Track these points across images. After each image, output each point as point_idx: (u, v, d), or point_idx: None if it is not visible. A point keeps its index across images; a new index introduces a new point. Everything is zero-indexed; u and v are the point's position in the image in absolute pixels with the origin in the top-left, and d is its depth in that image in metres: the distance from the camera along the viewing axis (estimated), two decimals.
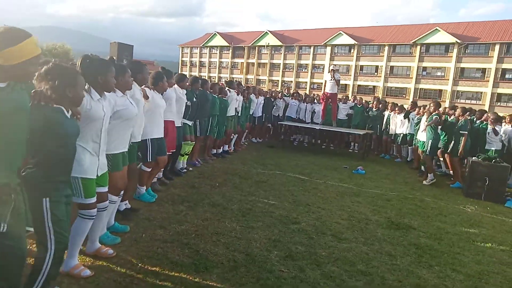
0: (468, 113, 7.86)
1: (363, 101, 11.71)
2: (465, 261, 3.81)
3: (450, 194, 6.89)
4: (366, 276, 3.22)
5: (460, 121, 7.64)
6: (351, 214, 4.95)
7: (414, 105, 10.03)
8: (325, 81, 10.97)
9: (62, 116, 2.16)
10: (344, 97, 11.92)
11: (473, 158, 7.02)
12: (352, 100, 11.99)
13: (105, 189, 2.93)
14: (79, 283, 2.63)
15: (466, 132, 7.48)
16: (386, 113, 10.56)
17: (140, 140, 3.91)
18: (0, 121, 1.68)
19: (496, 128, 7.32)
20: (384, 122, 10.56)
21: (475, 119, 8.45)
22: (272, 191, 5.68)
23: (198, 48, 60.96)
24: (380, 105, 10.99)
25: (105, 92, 2.80)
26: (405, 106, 10.42)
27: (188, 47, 62.87)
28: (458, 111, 7.92)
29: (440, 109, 8.21)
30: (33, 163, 2.08)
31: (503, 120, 8.66)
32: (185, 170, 6.25)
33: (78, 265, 2.75)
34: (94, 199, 2.70)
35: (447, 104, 35.75)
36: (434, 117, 7.45)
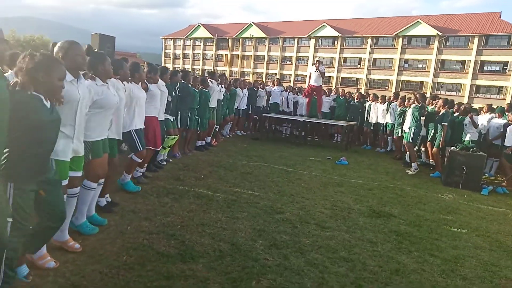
0: (447, 105, 8.12)
1: (346, 93, 11.93)
2: (443, 247, 3.96)
3: (430, 183, 7.10)
4: (348, 263, 3.33)
5: (440, 112, 7.86)
6: (334, 204, 5.07)
7: (396, 95, 10.23)
8: (310, 73, 11.07)
9: (39, 103, 2.15)
10: (327, 90, 12.06)
11: (452, 147, 7.24)
12: (334, 92, 12.16)
13: (78, 174, 2.92)
14: (65, 275, 2.65)
15: (446, 124, 7.69)
16: (368, 103, 10.81)
17: (121, 138, 3.94)
18: None
19: (474, 119, 7.62)
20: (365, 112, 10.78)
21: (453, 111, 8.69)
22: (257, 182, 5.74)
23: (182, 40, 60.20)
24: (362, 98, 11.25)
25: (84, 80, 2.82)
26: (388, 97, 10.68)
27: (171, 39, 62.03)
28: (440, 102, 8.10)
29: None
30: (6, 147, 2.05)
31: (481, 111, 9.03)
32: (165, 163, 6.26)
33: (45, 255, 2.72)
34: (65, 182, 2.70)
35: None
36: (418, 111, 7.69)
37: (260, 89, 11.43)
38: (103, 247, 3.11)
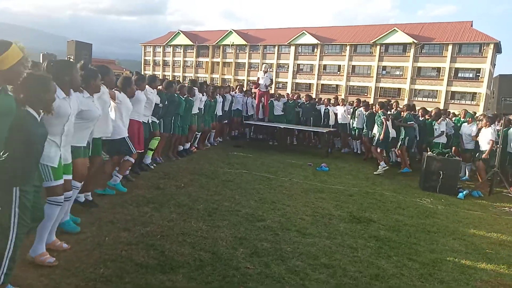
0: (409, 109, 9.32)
1: (294, 97, 12.47)
2: (421, 251, 4.03)
3: (408, 188, 7.24)
4: (328, 269, 3.34)
5: (405, 115, 8.79)
6: (315, 210, 5.10)
7: (358, 102, 11.15)
8: (258, 78, 11.33)
9: (32, 119, 2.42)
10: (277, 95, 12.41)
11: (429, 153, 7.43)
12: (287, 97, 12.71)
13: (69, 177, 3.21)
14: None
15: (413, 122, 8.65)
16: (322, 107, 11.63)
17: (109, 136, 4.33)
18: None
19: (442, 124, 8.59)
20: (322, 115, 11.54)
21: (419, 116, 9.50)
22: (238, 190, 5.72)
23: (162, 47, 59.80)
24: (311, 100, 12.10)
25: (71, 91, 3.10)
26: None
27: (151, 45, 61.52)
28: (403, 107, 9.20)
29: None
30: (4, 158, 2.21)
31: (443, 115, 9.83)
32: (153, 166, 6.56)
33: (44, 253, 2.89)
34: (62, 181, 2.96)
35: (406, 102, 37.39)
36: (382, 117, 8.46)
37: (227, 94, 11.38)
38: (79, 260, 3.02)
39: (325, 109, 11.55)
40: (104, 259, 3.07)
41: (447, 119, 9.54)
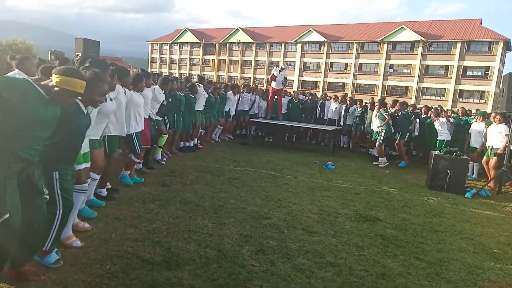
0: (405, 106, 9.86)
1: (298, 96, 12.89)
2: (428, 250, 4.00)
3: (415, 187, 7.19)
4: (334, 267, 3.33)
5: (400, 113, 9.32)
6: (321, 208, 5.08)
7: (351, 100, 11.88)
8: (275, 76, 11.38)
9: (80, 112, 2.74)
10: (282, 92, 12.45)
11: (436, 151, 7.36)
12: (293, 95, 13.06)
13: (88, 165, 3.51)
14: (47, 285, 2.58)
15: (411, 119, 9.42)
16: (319, 102, 12.31)
17: (125, 135, 4.56)
18: (42, 123, 2.30)
19: (442, 121, 8.83)
20: (318, 110, 12.17)
21: (421, 114, 10.17)
22: (244, 188, 5.72)
23: (168, 45, 59.94)
24: (311, 97, 12.64)
25: None
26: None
27: (157, 43, 61.70)
28: (398, 106, 9.67)
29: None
30: (50, 143, 2.51)
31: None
32: (163, 162, 6.77)
33: (71, 236, 3.19)
34: (83, 166, 3.30)
35: (413, 101, 37.16)
36: (384, 114, 9.03)
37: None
38: (86, 256, 3.05)
39: (321, 104, 12.24)
40: (110, 255, 3.09)
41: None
